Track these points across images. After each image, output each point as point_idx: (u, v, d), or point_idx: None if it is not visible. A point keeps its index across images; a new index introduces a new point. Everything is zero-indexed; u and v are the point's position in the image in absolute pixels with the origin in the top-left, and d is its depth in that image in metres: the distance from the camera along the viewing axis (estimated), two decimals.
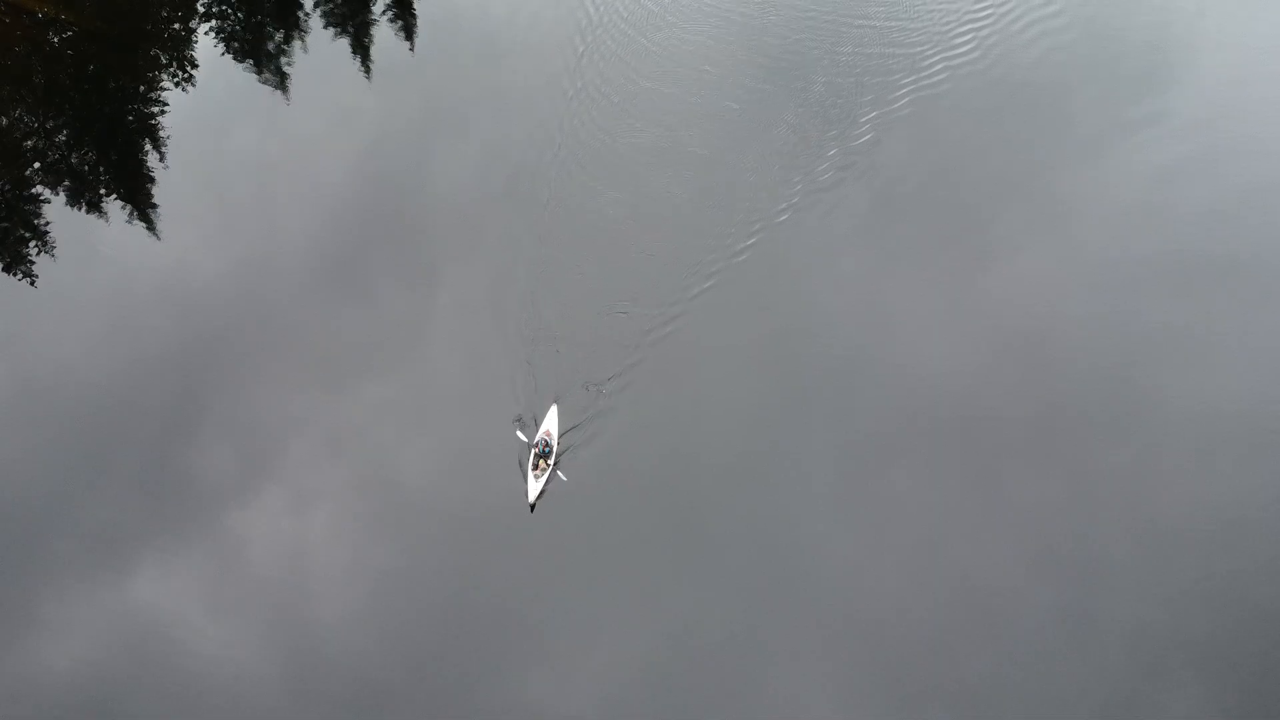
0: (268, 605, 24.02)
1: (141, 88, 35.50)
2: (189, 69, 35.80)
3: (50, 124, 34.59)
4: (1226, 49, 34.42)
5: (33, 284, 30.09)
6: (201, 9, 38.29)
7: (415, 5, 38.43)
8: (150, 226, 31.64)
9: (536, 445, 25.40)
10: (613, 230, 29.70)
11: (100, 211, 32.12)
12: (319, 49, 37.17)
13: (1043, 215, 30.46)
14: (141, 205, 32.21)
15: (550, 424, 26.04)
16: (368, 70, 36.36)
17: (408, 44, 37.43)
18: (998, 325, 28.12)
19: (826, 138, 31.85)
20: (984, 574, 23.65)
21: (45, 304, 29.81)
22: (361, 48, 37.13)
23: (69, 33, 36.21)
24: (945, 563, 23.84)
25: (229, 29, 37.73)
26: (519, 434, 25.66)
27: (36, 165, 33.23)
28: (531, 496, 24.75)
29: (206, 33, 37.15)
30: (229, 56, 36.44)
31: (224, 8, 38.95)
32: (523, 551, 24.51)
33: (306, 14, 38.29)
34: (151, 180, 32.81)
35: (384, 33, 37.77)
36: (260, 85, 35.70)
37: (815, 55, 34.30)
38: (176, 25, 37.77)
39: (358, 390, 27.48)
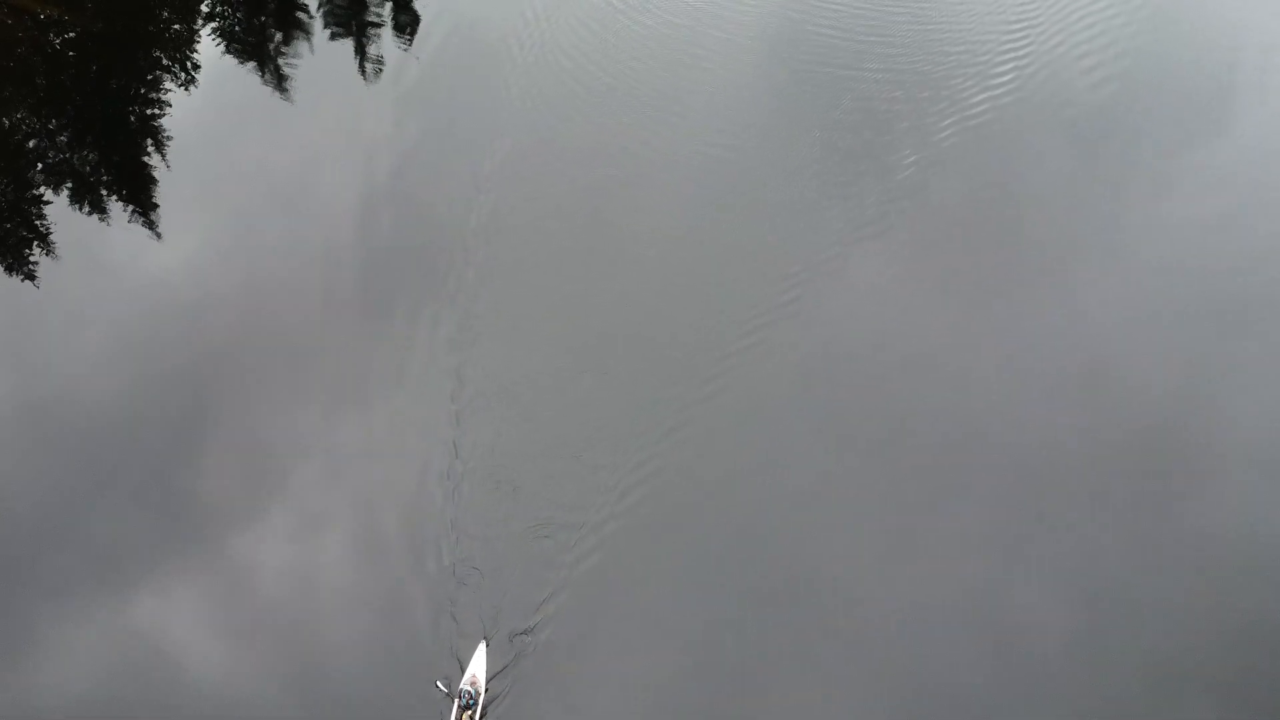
0: (275, 627, 23.81)
1: (143, 89, 35.42)
2: (191, 70, 35.70)
3: (52, 125, 34.51)
4: None
5: (35, 286, 30.00)
6: (204, 9, 38.19)
7: (418, 5, 38.30)
8: (153, 228, 31.53)
9: (460, 696, 21.46)
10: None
11: (103, 213, 32.02)
12: (322, 50, 37.03)
13: (1101, 251, 29.87)
14: (144, 207, 32.14)
15: (478, 667, 22.00)
16: (376, 75, 36.24)
17: (412, 46, 37.27)
18: (1053, 364, 27.50)
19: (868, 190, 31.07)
20: (1032, 621, 23.15)
21: (46, 308, 29.65)
22: (363, 51, 37.01)
23: (70, 34, 36.10)
24: (990, 607, 23.44)
25: (231, 29, 37.60)
26: (440, 687, 21.63)
27: (39, 166, 33.18)
28: None
29: (209, 34, 37.05)
30: (230, 57, 36.33)
31: (226, 8, 38.81)
32: None
33: (310, 16, 38.16)
34: (154, 181, 32.72)
35: (387, 33, 37.63)
36: (263, 87, 35.57)
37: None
38: (178, 26, 37.71)
39: (366, 408, 27.26)
